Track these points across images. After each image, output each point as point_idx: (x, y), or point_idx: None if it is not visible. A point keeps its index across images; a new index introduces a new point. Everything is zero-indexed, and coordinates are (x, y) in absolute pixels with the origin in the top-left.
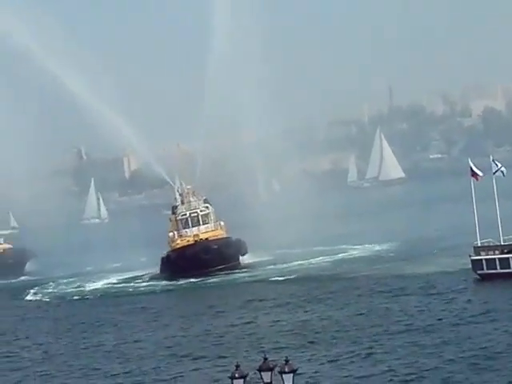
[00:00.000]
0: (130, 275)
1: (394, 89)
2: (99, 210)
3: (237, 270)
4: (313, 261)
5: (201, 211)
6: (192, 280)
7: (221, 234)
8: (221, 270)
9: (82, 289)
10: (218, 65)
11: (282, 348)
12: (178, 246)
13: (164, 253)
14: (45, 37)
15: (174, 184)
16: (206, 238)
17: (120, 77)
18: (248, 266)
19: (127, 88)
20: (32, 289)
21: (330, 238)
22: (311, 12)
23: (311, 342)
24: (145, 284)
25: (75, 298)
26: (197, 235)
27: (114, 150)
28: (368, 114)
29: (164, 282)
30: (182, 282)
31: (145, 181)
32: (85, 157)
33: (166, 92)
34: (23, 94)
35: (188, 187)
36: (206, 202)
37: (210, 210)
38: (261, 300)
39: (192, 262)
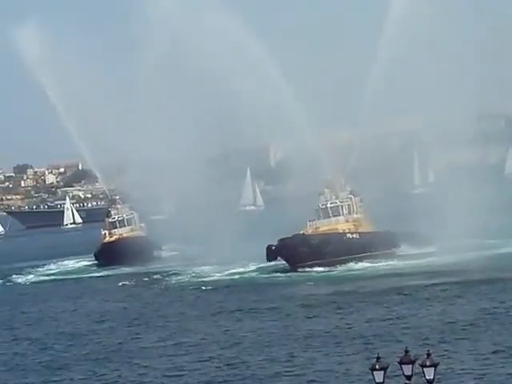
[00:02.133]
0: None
1: None
2: (255, 197)
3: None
4: (468, 255)
5: (331, 203)
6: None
7: (347, 227)
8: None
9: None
10: (386, 53)
11: (426, 343)
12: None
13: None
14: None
15: (321, 173)
16: (302, 233)
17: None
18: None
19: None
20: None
21: (489, 231)
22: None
23: (458, 338)
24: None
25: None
26: (317, 228)
27: (261, 138)
28: None
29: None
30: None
31: (291, 169)
32: (230, 146)
33: (323, 78)
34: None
35: (328, 177)
36: (351, 193)
37: (350, 202)
38: (399, 293)
39: (280, 255)
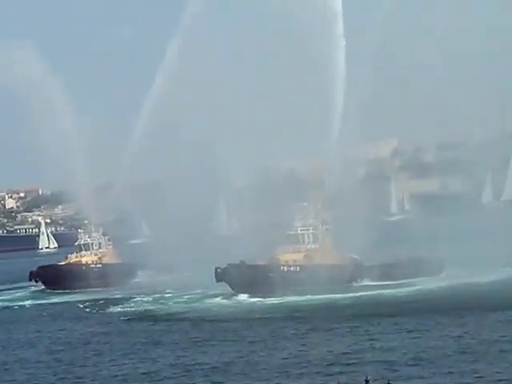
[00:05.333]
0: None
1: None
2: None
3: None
4: (424, 287)
5: (293, 232)
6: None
7: (294, 258)
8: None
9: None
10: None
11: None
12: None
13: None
14: None
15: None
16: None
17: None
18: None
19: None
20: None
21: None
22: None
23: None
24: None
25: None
26: (274, 255)
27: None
28: (478, 138)
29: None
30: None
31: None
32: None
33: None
34: None
35: (304, 204)
36: (322, 221)
37: (315, 231)
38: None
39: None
